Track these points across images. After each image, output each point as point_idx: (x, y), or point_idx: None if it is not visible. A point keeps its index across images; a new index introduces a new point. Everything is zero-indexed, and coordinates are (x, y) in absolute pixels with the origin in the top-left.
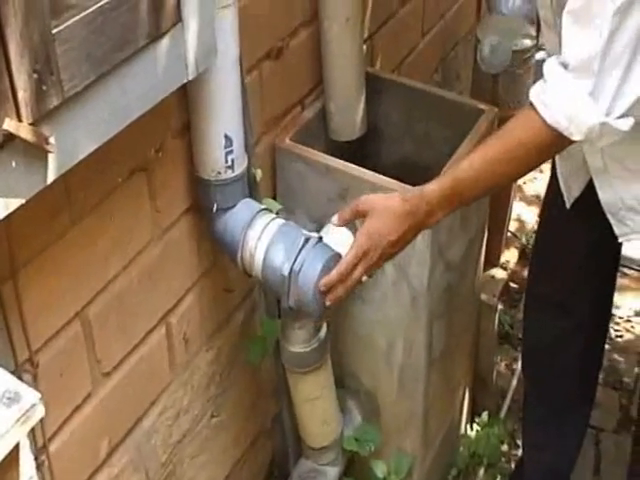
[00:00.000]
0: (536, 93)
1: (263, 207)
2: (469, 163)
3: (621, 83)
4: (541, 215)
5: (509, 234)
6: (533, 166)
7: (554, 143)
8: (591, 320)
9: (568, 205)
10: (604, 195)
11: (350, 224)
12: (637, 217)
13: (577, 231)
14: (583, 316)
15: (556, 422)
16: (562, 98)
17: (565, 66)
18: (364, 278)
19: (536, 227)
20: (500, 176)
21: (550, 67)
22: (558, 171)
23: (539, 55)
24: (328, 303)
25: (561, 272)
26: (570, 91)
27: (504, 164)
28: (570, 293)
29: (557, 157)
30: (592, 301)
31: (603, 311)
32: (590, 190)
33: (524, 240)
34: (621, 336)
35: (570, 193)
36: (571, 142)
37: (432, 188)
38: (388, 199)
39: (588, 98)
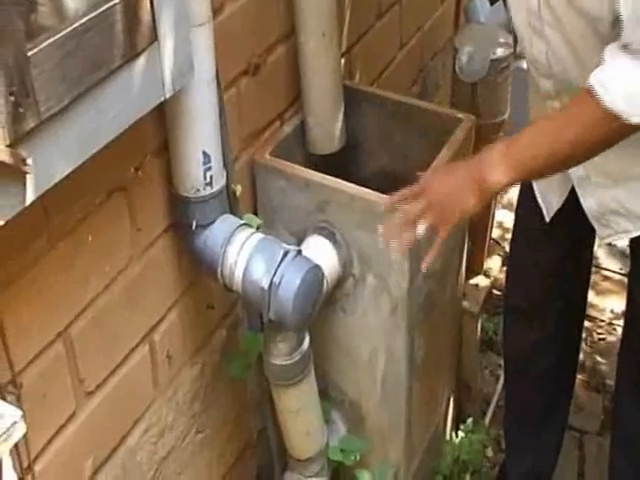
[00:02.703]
0: (595, 76)
1: (242, 222)
2: (533, 131)
3: None
4: (514, 229)
5: (492, 242)
6: (590, 150)
7: (612, 128)
8: (565, 328)
9: (548, 219)
10: (587, 202)
11: (330, 236)
12: (621, 219)
13: (550, 243)
14: (557, 325)
15: (535, 426)
16: (620, 79)
17: (625, 47)
18: (420, 229)
19: (512, 236)
20: (555, 152)
21: (610, 49)
22: (535, 188)
23: (517, 64)
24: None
25: (536, 283)
26: (629, 72)
27: (557, 140)
28: (546, 303)
29: None
30: (565, 310)
31: (577, 318)
32: (568, 201)
33: (507, 247)
34: (603, 339)
35: (550, 207)
36: (630, 128)
37: (497, 144)
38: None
39: None
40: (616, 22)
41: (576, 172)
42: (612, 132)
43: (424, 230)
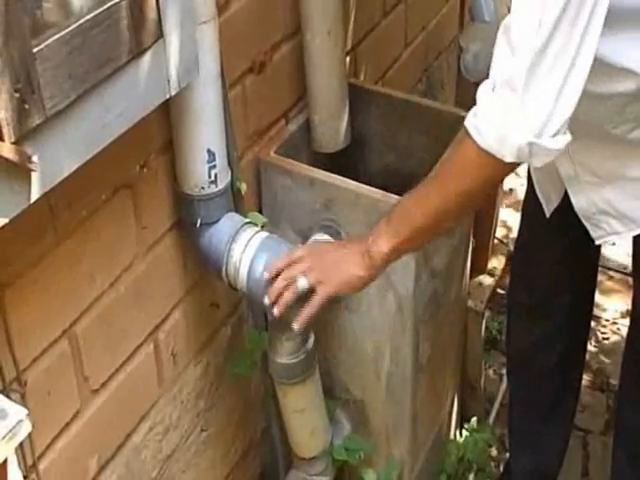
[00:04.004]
0: (468, 119)
1: (247, 221)
2: (411, 195)
3: (550, 99)
4: (520, 223)
5: (496, 241)
6: (474, 197)
7: (492, 168)
8: (571, 324)
9: (548, 214)
10: (577, 201)
11: (335, 235)
12: (611, 220)
13: (554, 238)
14: (562, 321)
15: (540, 425)
16: (491, 119)
17: (493, 87)
18: (301, 283)
19: (518, 231)
20: (437, 208)
21: (480, 90)
22: (535, 182)
23: None
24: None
25: (539, 279)
26: (497, 112)
27: (438, 194)
28: (548, 299)
29: (532, 170)
30: (571, 306)
31: (583, 314)
32: (567, 197)
33: (511, 247)
34: (607, 338)
35: (549, 202)
36: (507, 167)
37: (384, 217)
38: None
39: (515, 117)
40: None
41: (565, 171)
42: (491, 173)
43: (303, 286)
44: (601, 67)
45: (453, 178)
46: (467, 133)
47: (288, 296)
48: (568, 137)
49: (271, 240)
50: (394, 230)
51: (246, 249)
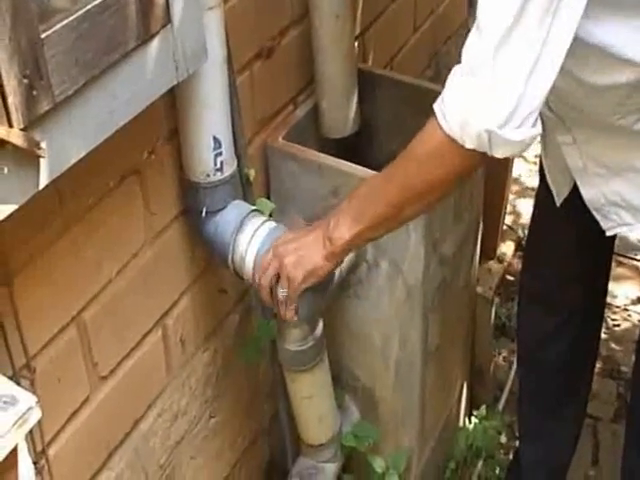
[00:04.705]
0: (437, 103)
1: (253, 209)
2: (373, 181)
3: (517, 86)
4: (533, 212)
5: (505, 227)
6: (440, 185)
7: (454, 156)
8: (583, 314)
9: (558, 203)
10: (586, 193)
11: None
12: (621, 211)
13: (567, 227)
14: (575, 310)
15: (551, 415)
16: (456, 104)
17: (462, 67)
18: (281, 292)
19: (531, 218)
20: (396, 193)
21: (450, 74)
22: (545, 171)
23: None
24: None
25: (552, 268)
26: (462, 96)
27: (397, 179)
28: (561, 288)
29: (544, 156)
30: (584, 295)
31: (596, 304)
32: (578, 187)
33: (520, 233)
34: (618, 325)
35: (559, 191)
36: (478, 158)
37: (342, 202)
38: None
39: (479, 103)
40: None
41: (573, 163)
42: (455, 161)
43: (280, 293)
44: (601, 58)
45: (417, 164)
46: (434, 117)
47: (272, 303)
48: (535, 131)
49: (278, 231)
50: (355, 216)
51: (252, 240)
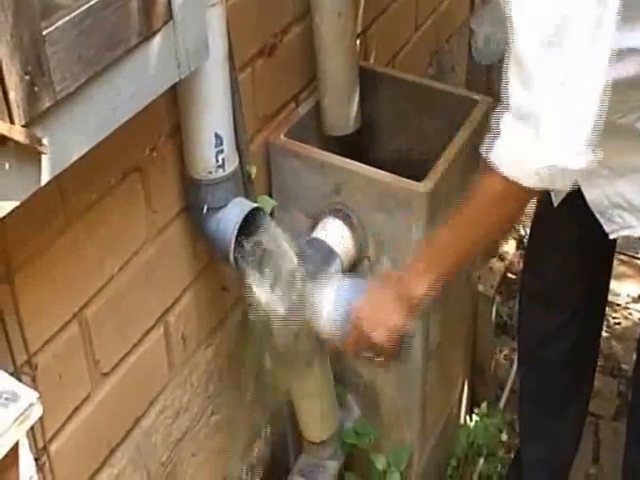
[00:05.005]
0: (491, 149)
1: (255, 206)
2: (442, 231)
3: (565, 120)
4: (534, 210)
5: None
6: (504, 226)
7: (517, 197)
8: (584, 312)
9: (555, 204)
10: (590, 195)
11: (346, 219)
12: (624, 213)
13: (569, 226)
14: (575, 310)
15: (552, 414)
16: (510, 148)
17: (515, 112)
18: (376, 359)
19: (532, 217)
20: (469, 243)
21: (502, 118)
22: None
23: None
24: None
25: (553, 266)
26: (515, 140)
27: (470, 229)
28: (562, 287)
29: None
30: (585, 294)
31: (597, 303)
32: (579, 187)
33: (522, 231)
34: (619, 323)
35: (557, 192)
36: (533, 192)
37: (415, 256)
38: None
39: (532, 142)
40: None
41: None
42: (518, 201)
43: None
44: None
45: (483, 213)
46: (490, 165)
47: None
48: (592, 157)
49: (351, 289)
50: (429, 270)
51: (334, 301)
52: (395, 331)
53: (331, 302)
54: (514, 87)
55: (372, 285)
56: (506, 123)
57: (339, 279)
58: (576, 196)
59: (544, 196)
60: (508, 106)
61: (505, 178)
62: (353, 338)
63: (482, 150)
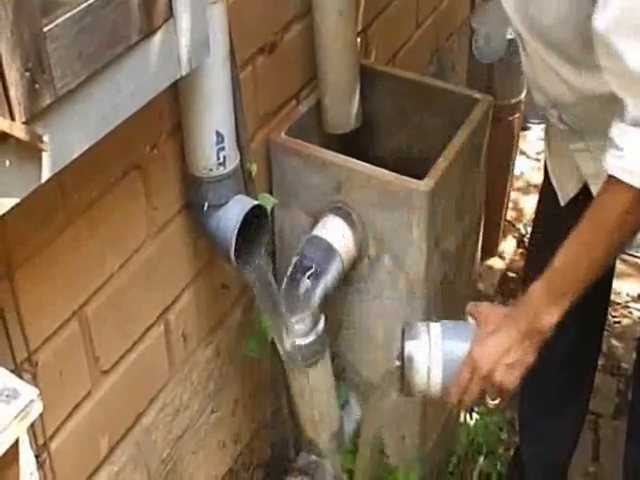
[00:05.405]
0: (613, 165)
1: (255, 204)
2: (565, 251)
3: None
4: (536, 210)
5: (506, 223)
6: (628, 237)
7: None
8: (586, 312)
9: (562, 203)
10: None
11: (346, 217)
12: None
13: (572, 225)
14: (577, 308)
15: (551, 413)
16: (636, 156)
17: (636, 123)
18: (490, 402)
19: (534, 216)
20: (600, 257)
21: (620, 131)
22: (550, 170)
23: None
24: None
25: None
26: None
27: (601, 243)
28: None
29: (548, 157)
30: (586, 293)
31: (599, 303)
32: (587, 189)
33: (522, 229)
34: (619, 322)
35: (565, 192)
36: None
37: (535, 285)
38: (497, 307)
39: None
40: (587, 46)
41: (587, 169)
42: None
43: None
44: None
45: (615, 227)
46: (613, 179)
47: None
48: None
49: (455, 335)
50: (561, 298)
51: (432, 351)
52: (526, 369)
53: (427, 355)
54: (633, 99)
55: (481, 330)
56: (629, 134)
57: (434, 329)
58: (581, 196)
59: (549, 195)
60: (623, 118)
61: (633, 187)
62: (471, 389)
63: (605, 165)
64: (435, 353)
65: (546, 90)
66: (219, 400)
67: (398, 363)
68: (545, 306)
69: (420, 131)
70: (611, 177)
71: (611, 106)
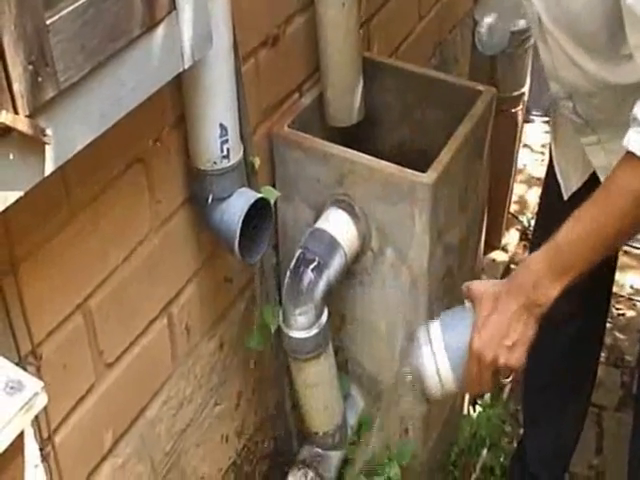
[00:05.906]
0: (635, 140)
1: (259, 196)
2: (572, 225)
3: None
4: (540, 203)
5: (510, 216)
6: None
7: None
8: (589, 304)
9: (566, 196)
10: None
11: (349, 209)
12: None
13: None
14: (580, 301)
15: (554, 406)
16: None
17: None
18: (505, 381)
19: (537, 209)
20: (610, 237)
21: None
22: (555, 162)
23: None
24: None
25: None
26: None
27: (615, 222)
28: None
29: (554, 148)
30: (589, 286)
31: (602, 295)
32: (590, 183)
33: (525, 222)
34: (623, 314)
35: (568, 185)
36: None
37: (535, 255)
38: (489, 283)
39: None
40: (613, 37)
41: (599, 162)
42: None
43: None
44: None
45: (632, 206)
46: (633, 157)
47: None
48: None
49: (455, 324)
50: (564, 272)
51: (436, 354)
52: (530, 343)
53: (433, 363)
54: None
55: (478, 314)
56: None
57: (433, 331)
58: (585, 189)
59: (552, 188)
60: None
61: None
62: (483, 378)
63: (625, 142)
64: (440, 358)
65: (564, 81)
66: (222, 393)
67: (411, 377)
68: (545, 279)
69: (423, 124)
70: (630, 155)
71: (629, 97)
